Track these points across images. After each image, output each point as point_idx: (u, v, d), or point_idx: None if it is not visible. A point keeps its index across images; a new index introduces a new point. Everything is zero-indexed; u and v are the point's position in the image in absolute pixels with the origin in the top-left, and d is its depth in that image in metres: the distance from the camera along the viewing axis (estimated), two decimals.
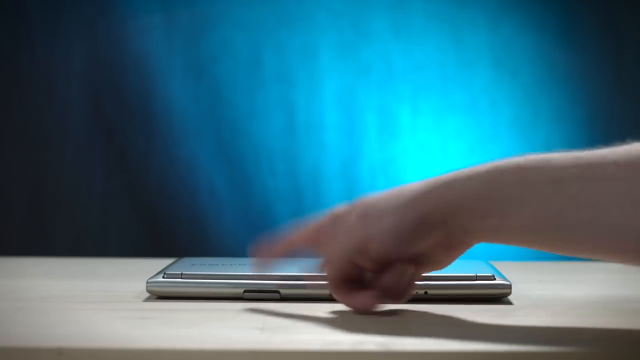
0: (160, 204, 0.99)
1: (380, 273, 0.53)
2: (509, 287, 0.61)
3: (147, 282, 0.62)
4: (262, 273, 0.62)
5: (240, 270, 0.63)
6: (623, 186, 0.46)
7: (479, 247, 0.99)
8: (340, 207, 0.56)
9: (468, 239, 0.53)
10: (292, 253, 0.59)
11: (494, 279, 0.61)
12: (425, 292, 0.61)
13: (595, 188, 0.47)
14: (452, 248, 0.54)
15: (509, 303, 0.60)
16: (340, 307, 0.58)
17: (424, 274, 0.57)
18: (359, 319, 0.55)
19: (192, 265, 0.65)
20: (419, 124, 0.97)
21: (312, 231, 0.57)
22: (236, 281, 0.61)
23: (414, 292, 0.56)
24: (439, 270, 0.62)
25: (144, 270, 0.68)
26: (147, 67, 0.97)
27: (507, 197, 0.49)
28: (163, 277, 0.62)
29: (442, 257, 0.55)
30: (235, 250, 0.97)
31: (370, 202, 0.53)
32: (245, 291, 0.61)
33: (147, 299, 0.61)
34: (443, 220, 0.51)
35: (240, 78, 0.98)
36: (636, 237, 0.46)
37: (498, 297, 0.61)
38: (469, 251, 0.98)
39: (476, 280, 0.61)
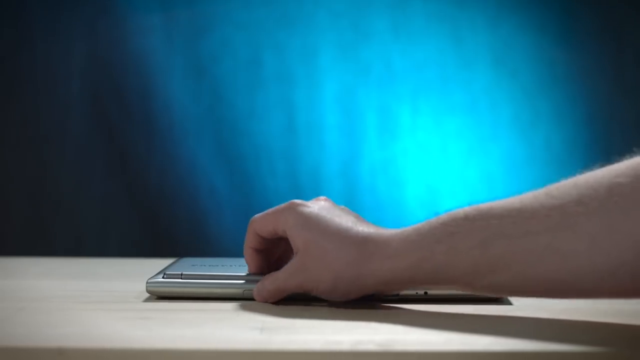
0: (160, 204, 0.99)
1: None
2: None
3: (147, 282, 0.62)
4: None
5: (240, 270, 0.63)
6: (545, 239, 0.47)
7: None
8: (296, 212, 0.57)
9: None
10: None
11: None
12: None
13: (521, 244, 0.48)
14: None
15: (509, 303, 0.60)
16: (340, 307, 0.58)
17: None
18: (359, 319, 0.55)
19: (192, 265, 0.65)
20: (419, 124, 0.97)
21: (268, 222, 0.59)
22: (236, 281, 0.61)
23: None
24: None
25: (144, 270, 0.68)
26: (147, 67, 0.97)
27: (438, 265, 0.51)
28: (163, 277, 0.62)
29: None
30: (235, 250, 0.97)
31: (316, 249, 0.55)
32: (245, 291, 0.61)
33: (147, 299, 0.61)
34: (377, 289, 0.56)
35: (240, 78, 0.98)
36: (562, 283, 0.48)
37: (498, 297, 0.61)
38: None
39: None
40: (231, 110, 0.98)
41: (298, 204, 0.57)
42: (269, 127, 0.98)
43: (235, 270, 0.63)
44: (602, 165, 0.49)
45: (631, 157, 0.48)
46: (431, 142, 0.97)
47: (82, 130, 0.98)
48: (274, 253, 0.61)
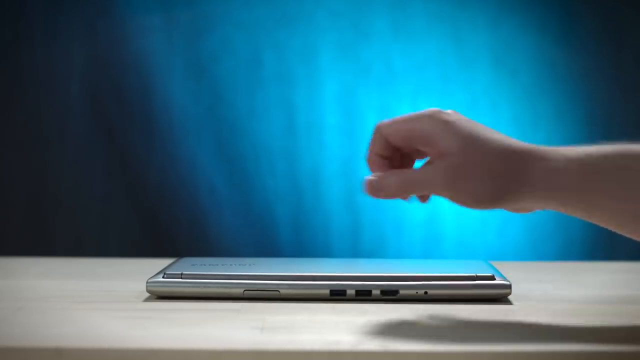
0: (160, 204, 0.99)
1: None
2: (509, 287, 0.61)
3: (147, 282, 0.62)
4: (262, 273, 0.62)
5: (240, 270, 0.63)
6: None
7: (479, 247, 1.00)
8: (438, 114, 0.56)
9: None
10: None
11: (494, 279, 0.61)
12: (425, 292, 0.61)
13: (622, 178, 0.51)
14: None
15: (509, 303, 0.60)
16: (340, 307, 0.58)
17: (423, 274, 0.61)
18: (359, 319, 0.55)
19: (192, 265, 0.65)
20: None
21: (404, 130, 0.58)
22: (236, 281, 0.61)
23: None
24: (441, 270, 0.63)
25: (144, 270, 0.68)
26: (147, 67, 0.97)
27: (583, 201, 0.52)
28: (163, 277, 0.62)
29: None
30: (235, 250, 0.97)
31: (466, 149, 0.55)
32: (245, 291, 0.61)
33: (147, 299, 0.61)
34: (519, 198, 0.53)
35: (240, 78, 0.98)
36: None
37: (498, 297, 0.61)
38: (468, 251, 0.99)
39: (476, 280, 0.61)
40: (231, 110, 0.98)
41: (438, 111, 0.56)
42: (269, 127, 0.98)
43: (235, 270, 0.63)
44: None
45: None
46: None
47: (82, 130, 0.98)
48: (393, 164, 0.59)
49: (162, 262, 0.71)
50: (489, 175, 0.53)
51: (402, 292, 0.60)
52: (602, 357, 0.47)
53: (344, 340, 0.49)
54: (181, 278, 0.62)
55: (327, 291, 0.61)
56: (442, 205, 0.97)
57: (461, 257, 0.94)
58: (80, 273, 0.78)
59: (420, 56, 0.97)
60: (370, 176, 0.57)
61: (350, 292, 0.61)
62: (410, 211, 0.97)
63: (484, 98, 0.97)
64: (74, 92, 0.98)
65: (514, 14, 0.97)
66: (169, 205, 0.98)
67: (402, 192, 0.55)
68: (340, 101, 0.97)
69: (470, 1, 0.97)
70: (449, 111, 0.56)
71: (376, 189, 0.56)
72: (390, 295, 0.61)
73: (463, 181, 0.53)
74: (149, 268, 0.67)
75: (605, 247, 0.96)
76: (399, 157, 0.59)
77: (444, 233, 0.97)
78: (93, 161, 0.99)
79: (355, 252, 0.97)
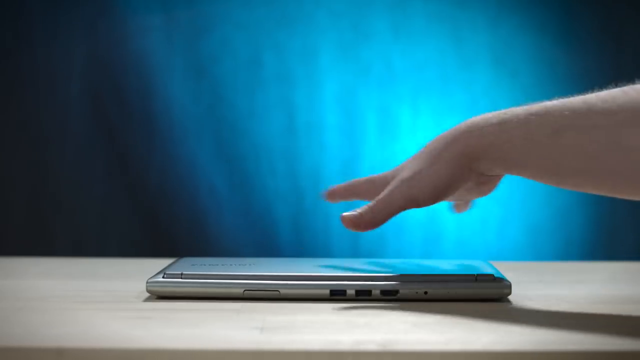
0: (160, 204, 0.99)
1: None
2: (509, 287, 0.61)
3: (147, 282, 0.62)
4: (262, 273, 0.62)
5: (240, 270, 0.63)
6: (611, 134, 0.51)
7: (479, 247, 1.00)
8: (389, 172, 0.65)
9: (495, 176, 0.61)
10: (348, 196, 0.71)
11: (494, 279, 0.61)
12: (425, 292, 0.61)
13: (587, 138, 0.52)
14: (487, 183, 0.62)
15: (509, 303, 0.60)
16: (340, 307, 0.58)
17: (423, 274, 0.62)
18: (359, 319, 0.55)
19: (192, 265, 0.65)
20: (419, 124, 0.97)
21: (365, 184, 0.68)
22: (236, 281, 0.61)
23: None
24: (441, 270, 0.63)
25: (144, 270, 0.68)
26: (147, 67, 0.97)
27: (514, 150, 0.55)
28: (163, 277, 0.62)
29: (483, 189, 0.63)
30: (235, 250, 0.97)
31: (408, 167, 0.62)
32: (245, 291, 0.61)
33: (147, 299, 0.61)
34: (468, 167, 0.58)
35: (240, 78, 0.98)
36: (625, 179, 0.51)
37: (498, 297, 0.61)
38: (468, 251, 0.98)
39: (476, 280, 0.61)
40: (231, 110, 0.98)
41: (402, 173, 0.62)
42: (269, 127, 0.98)
43: (235, 270, 0.63)
44: None
45: None
46: None
47: (82, 130, 0.98)
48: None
49: (162, 262, 0.71)
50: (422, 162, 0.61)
51: (402, 292, 0.60)
52: (602, 357, 0.47)
53: (344, 340, 0.49)
54: (181, 278, 0.62)
55: (327, 291, 0.61)
56: (442, 205, 0.97)
57: (461, 257, 0.94)
58: (81, 273, 0.78)
59: (420, 56, 0.97)
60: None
61: (350, 292, 0.61)
62: (410, 211, 0.96)
63: (484, 98, 0.97)
64: (74, 92, 0.98)
65: (514, 14, 0.97)
66: (169, 205, 0.98)
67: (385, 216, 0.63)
68: (340, 101, 0.97)
69: (470, 1, 0.97)
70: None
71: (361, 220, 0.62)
72: (390, 295, 0.61)
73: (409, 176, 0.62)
74: (149, 268, 0.67)
75: (605, 247, 0.96)
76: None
77: (444, 233, 0.97)
78: (93, 161, 0.99)
79: (355, 252, 0.97)
